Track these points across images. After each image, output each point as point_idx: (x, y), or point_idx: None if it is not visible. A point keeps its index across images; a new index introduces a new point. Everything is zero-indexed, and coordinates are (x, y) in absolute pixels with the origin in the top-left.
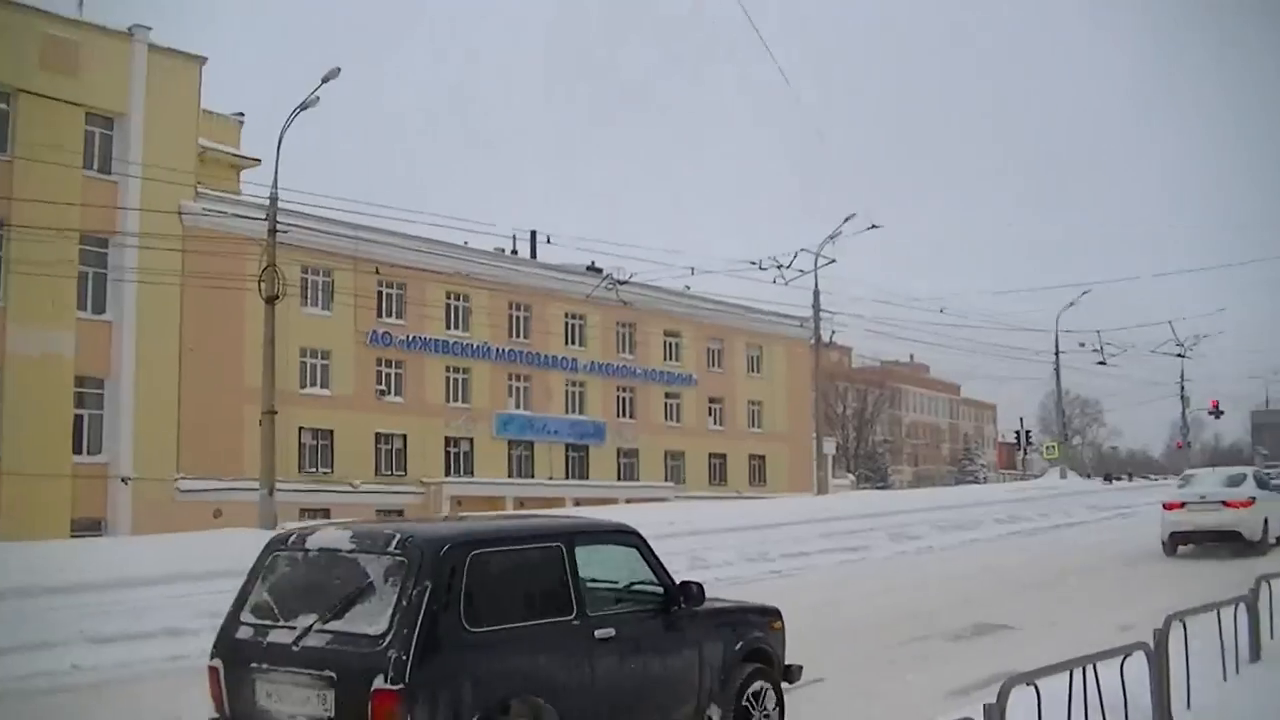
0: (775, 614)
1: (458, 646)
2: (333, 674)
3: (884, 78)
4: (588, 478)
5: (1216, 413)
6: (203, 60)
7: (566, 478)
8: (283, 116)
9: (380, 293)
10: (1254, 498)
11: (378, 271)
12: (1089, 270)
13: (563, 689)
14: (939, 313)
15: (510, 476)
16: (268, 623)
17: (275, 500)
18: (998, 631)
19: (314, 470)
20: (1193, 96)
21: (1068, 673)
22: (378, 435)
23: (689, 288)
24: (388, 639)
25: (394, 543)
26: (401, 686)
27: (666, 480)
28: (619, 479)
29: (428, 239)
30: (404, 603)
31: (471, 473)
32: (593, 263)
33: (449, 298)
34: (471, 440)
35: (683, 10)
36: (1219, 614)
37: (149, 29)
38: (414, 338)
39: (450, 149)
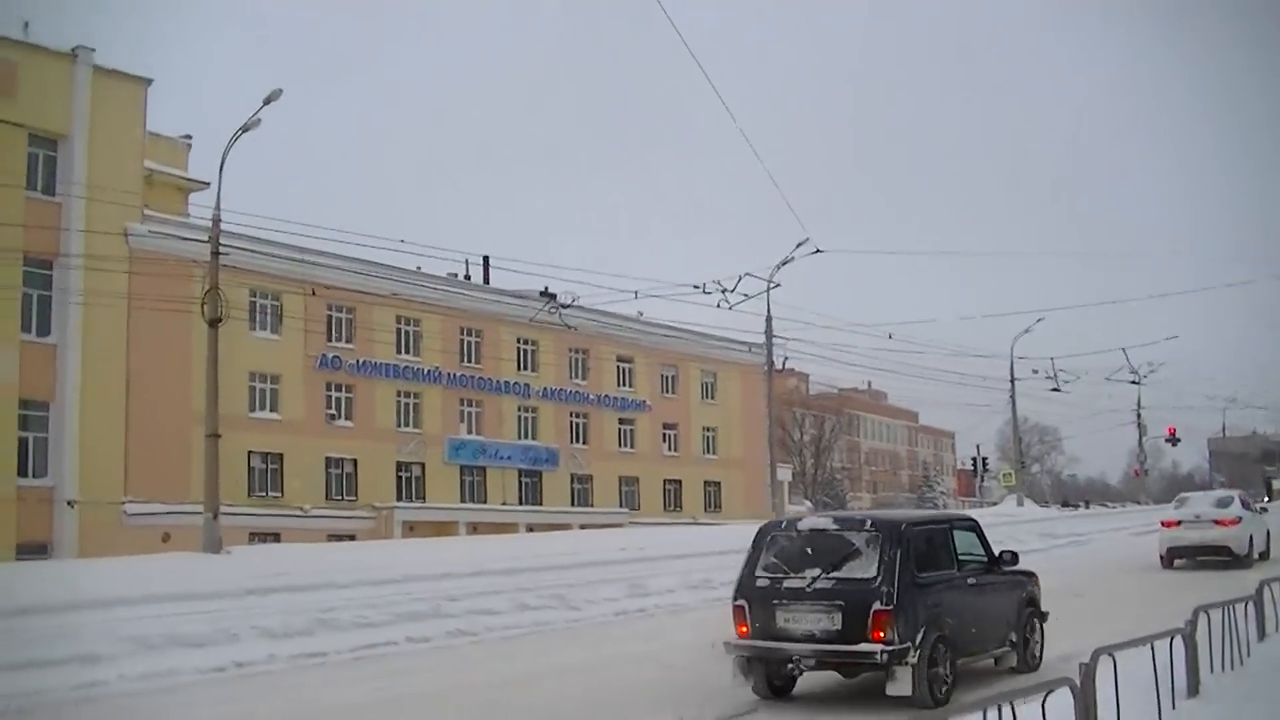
0: (1036, 576)
1: (913, 586)
2: (841, 603)
3: (837, 105)
4: (541, 503)
5: (1173, 440)
6: (148, 82)
7: (520, 503)
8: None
9: (329, 317)
10: (1240, 517)
11: (313, 293)
12: (1043, 298)
13: (954, 612)
14: (887, 338)
15: (462, 502)
16: (779, 575)
17: (220, 524)
18: None
19: (263, 494)
20: (1148, 123)
21: (980, 712)
22: (328, 459)
23: (642, 314)
24: (878, 581)
25: (867, 524)
26: (891, 607)
27: (621, 506)
28: (573, 504)
29: (378, 263)
30: (884, 559)
31: (423, 498)
32: (545, 288)
33: (399, 322)
34: (423, 465)
35: (636, 43)
36: (1153, 647)
37: (93, 50)
38: (364, 362)
39: (406, 175)
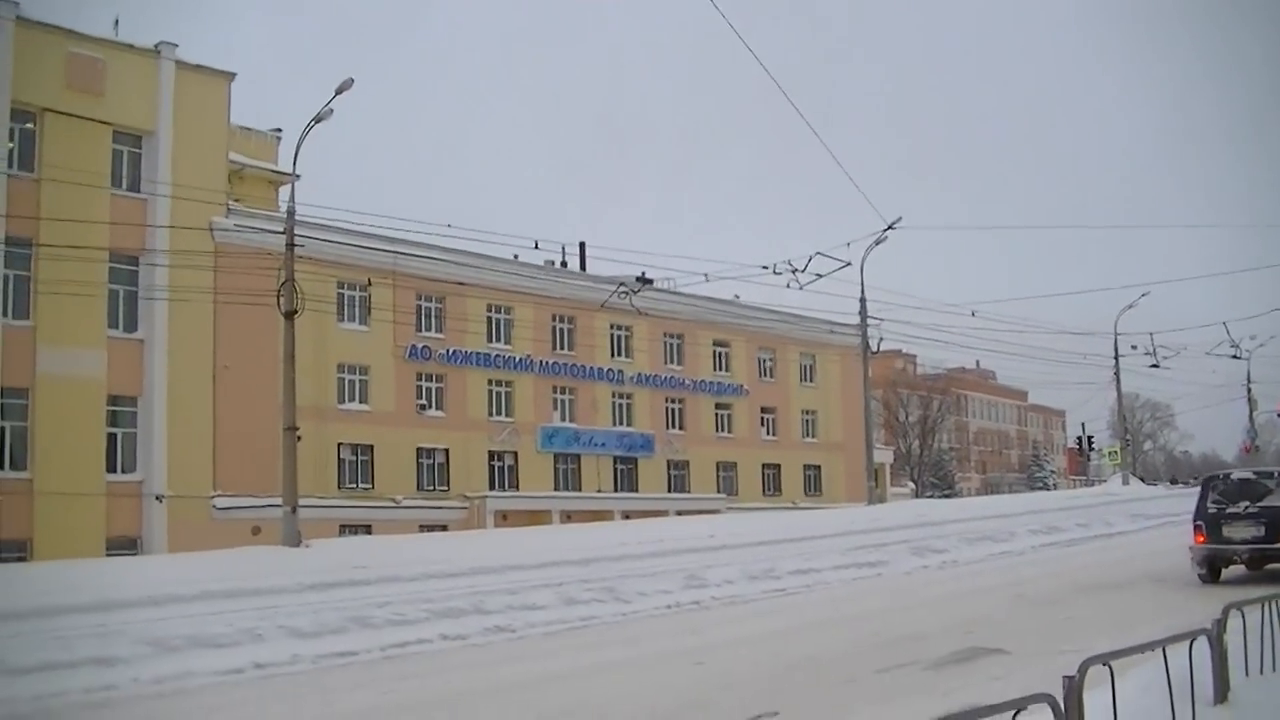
0: None
1: None
2: (1265, 520)
3: (922, 83)
4: (637, 490)
5: None
6: (231, 76)
7: (615, 490)
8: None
9: (419, 307)
10: None
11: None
12: (1145, 272)
13: None
14: (970, 315)
15: (556, 490)
16: (1222, 505)
17: (304, 517)
18: (987, 657)
19: (354, 486)
20: (1241, 93)
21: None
22: (419, 450)
23: (738, 297)
24: None
25: (1276, 474)
26: None
27: (719, 492)
28: (669, 491)
29: (468, 252)
30: None
31: (516, 487)
32: (643, 273)
33: (490, 310)
34: (516, 454)
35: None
36: (1165, 653)
37: (175, 46)
38: (454, 351)
39: (500, 167)
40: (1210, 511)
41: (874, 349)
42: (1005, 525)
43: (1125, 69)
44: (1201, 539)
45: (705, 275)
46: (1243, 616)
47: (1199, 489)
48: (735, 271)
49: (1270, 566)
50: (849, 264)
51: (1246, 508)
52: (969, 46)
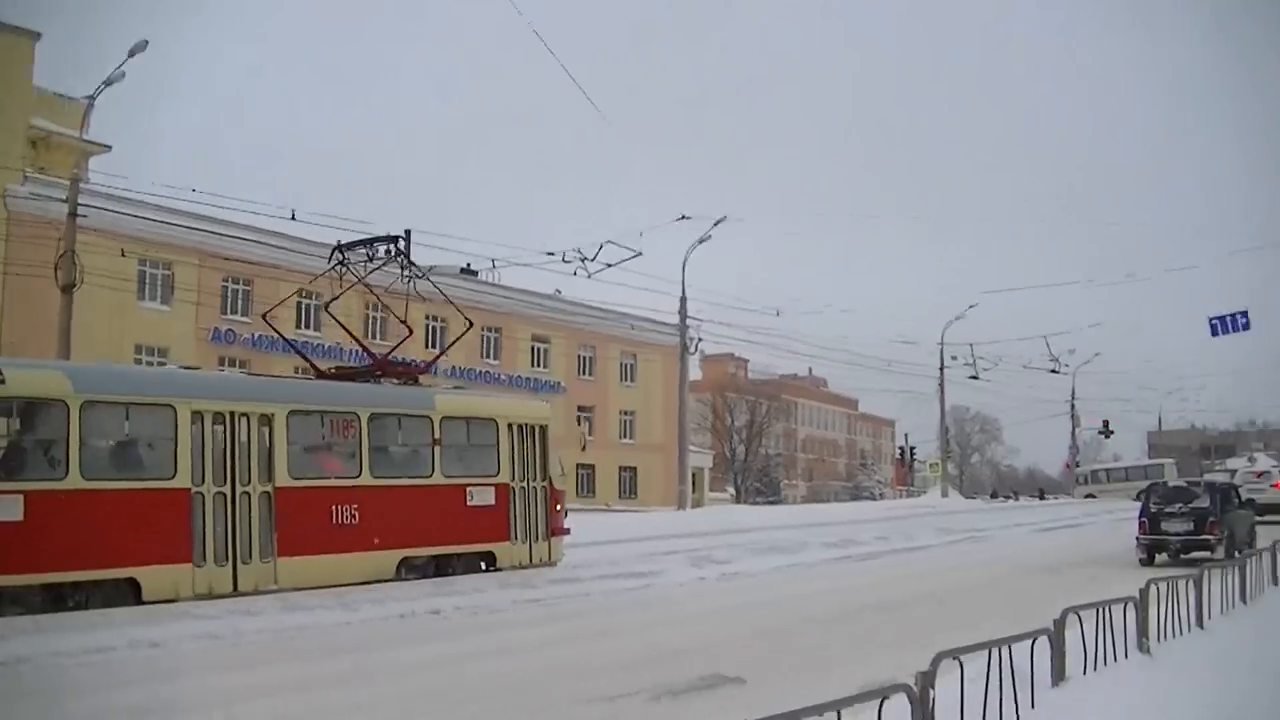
0: (1255, 502)
1: (1222, 512)
2: (1194, 518)
3: (757, 81)
4: None
5: (1106, 431)
6: (35, 35)
7: None
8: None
9: (225, 288)
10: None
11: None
12: (968, 285)
13: (1235, 524)
14: (775, 315)
15: None
16: (1160, 505)
17: None
18: (719, 688)
19: None
20: (1073, 101)
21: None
22: None
23: (560, 291)
24: (1209, 508)
25: (1202, 485)
26: (1215, 519)
27: None
28: None
29: (280, 234)
30: (1213, 499)
31: None
32: (467, 264)
33: (301, 296)
34: None
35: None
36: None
37: None
38: (260, 337)
39: (331, 146)
40: (1152, 510)
41: (692, 350)
42: (799, 536)
43: (977, 64)
44: (1144, 530)
45: (493, 261)
46: (961, 666)
47: (1143, 495)
48: (526, 259)
49: (1194, 555)
50: (640, 254)
51: (1180, 508)
52: (806, 44)
